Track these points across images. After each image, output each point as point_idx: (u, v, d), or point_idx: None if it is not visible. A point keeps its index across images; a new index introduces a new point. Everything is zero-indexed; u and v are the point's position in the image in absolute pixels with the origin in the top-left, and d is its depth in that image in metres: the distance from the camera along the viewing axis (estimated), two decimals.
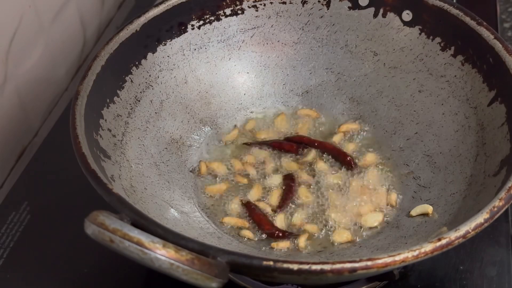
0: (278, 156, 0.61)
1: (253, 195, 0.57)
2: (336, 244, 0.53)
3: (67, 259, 0.58)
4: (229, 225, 0.55)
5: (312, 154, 0.61)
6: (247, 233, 0.54)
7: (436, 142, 0.58)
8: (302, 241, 0.53)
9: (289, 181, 0.58)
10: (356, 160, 0.60)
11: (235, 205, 0.57)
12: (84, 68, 0.76)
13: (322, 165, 0.60)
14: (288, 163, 0.60)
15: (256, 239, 0.54)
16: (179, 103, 0.61)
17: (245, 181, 0.59)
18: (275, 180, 0.59)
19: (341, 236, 0.54)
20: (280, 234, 0.54)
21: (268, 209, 0.56)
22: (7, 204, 0.63)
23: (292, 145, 0.61)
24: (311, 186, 0.58)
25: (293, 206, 0.57)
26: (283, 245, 0.53)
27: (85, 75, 0.53)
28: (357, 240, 0.54)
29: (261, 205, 0.57)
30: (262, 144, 0.62)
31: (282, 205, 0.57)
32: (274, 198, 0.57)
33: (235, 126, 0.64)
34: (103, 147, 0.51)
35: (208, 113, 0.63)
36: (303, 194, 0.57)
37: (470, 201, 0.50)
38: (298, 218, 0.56)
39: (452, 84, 0.58)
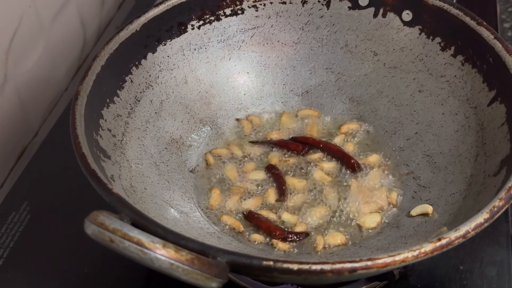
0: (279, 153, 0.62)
1: (252, 203, 0.57)
2: (329, 247, 0.53)
3: (67, 259, 0.58)
4: (228, 225, 0.55)
5: (316, 155, 0.61)
6: (257, 237, 0.54)
7: (436, 142, 0.58)
8: (319, 241, 0.53)
9: (274, 170, 0.59)
10: (359, 161, 0.60)
11: (231, 205, 0.57)
12: (84, 68, 0.76)
13: (324, 166, 0.60)
14: (272, 157, 0.61)
15: (266, 241, 0.54)
16: (179, 103, 0.62)
17: (240, 190, 0.58)
18: (258, 175, 0.59)
19: (335, 239, 0.54)
20: (295, 237, 0.54)
21: (271, 215, 0.56)
22: (7, 204, 0.63)
23: (298, 145, 0.61)
24: (302, 170, 0.59)
25: (291, 195, 0.58)
26: (283, 246, 0.53)
27: (85, 75, 0.53)
28: (350, 243, 0.54)
29: (264, 212, 0.56)
30: (268, 143, 0.62)
31: (282, 194, 0.57)
32: (271, 196, 0.57)
33: (242, 117, 0.64)
34: (103, 147, 0.51)
35: (208, 113, 0.63)
36: (293, 182, 0.58)
37: (470, 201, 0.50)
38: (299, 199, 0.57)
39: (452, 84, 0.58)
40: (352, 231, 0.55)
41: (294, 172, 0.60)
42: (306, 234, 0.54)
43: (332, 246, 0.53)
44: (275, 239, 0.54)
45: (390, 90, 0.62)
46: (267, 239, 0.54)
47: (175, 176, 0.58)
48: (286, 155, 0.61)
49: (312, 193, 0.58)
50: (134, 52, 0.59)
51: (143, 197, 0.52)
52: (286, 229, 0.54)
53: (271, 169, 0.59)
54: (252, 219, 0.55)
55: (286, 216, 0.55)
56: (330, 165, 0.60)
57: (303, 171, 0.59)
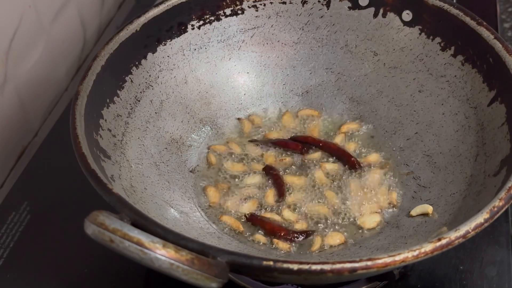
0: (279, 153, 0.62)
1: (252, 205, 0.57)
2: (328, 247, 0.53)
3: (67, 259, 0.58)
4: (228, 225, 0.55)
5: (316, 154, 0.61)
6: (259, 238, 0.54)
7: (436, 142, 0.58)
8: (319, 241, 0.53)
9: (271, 171, 0.59)
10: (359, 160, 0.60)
11: (230, 206, 0.57)
12: (84, 68, 0.76)
13: (324, 165, 0.60)
14: (267, 157, 0.61)
15: (267, 241, 0.54)
16: (179, 103, 0.62)
17: (226, 186, 0.59)
18: (256, 178, 0.59)
19: (334, 239, 0.54)
20: (300, 236, 0.54)
21: (274, 216, 0.56)
22: (7, 204, 0.63)
23: (298, 144, 0.61)
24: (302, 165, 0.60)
25: (290, 192, 0.58)
26: (283, 246, 0.53)
27: (85, 75, 0.53)
28: (349, 242, 0.53)
29: (267, 214, 0.56)
30: (268, 142, 0.62)
31: (281, 194, 0.57)
32: (271, 197, 0.57)
33: (241, 118, 0.64)
34: (103, 147, 0.51)
35: (208, 113, 0.63)
36: (292, 180, 0.58)
37: (470, 201, 0.50)
38: (298, 196, 0.57)
39: (452, 84, 0.58)
40: (352, 231, 0.55)
41: (292, 170, 0.59)
42: (310, 232, 0.54)
43: (331, 246, 0.53)
44: (280, 239, 0.53)
45: (390, 90, 0.62)
46: (268, 239, 0.54)
47: (175, 176, 0.58)
48: (284, 155, 0.61)
49: (312, 193, 0.58)
50: (134, 52, 0.59)
51: (143, 197, 0.52)
52: (290, 229, 0.54)
53: (268, 170, 0.59)
54: (255, 220, 0.55)
55: (286, 214, 0.56)
56: (332, 166, 0.60)
57: (302, 169, 0.59)
